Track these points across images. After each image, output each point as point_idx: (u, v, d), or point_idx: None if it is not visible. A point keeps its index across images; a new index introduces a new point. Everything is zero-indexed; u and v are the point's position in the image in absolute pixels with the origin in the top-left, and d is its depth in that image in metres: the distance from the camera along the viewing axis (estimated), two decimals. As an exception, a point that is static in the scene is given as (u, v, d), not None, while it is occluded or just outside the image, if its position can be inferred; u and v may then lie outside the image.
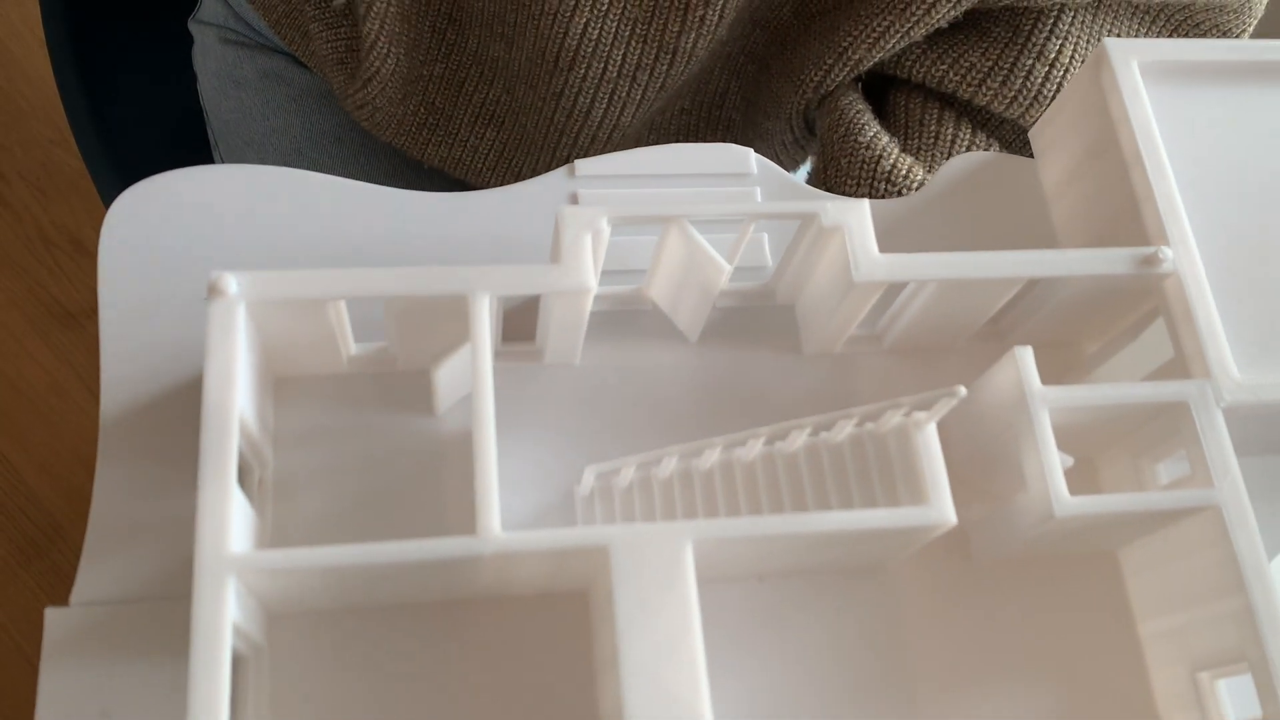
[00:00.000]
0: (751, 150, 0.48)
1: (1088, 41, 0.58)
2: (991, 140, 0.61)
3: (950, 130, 0.59)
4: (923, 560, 0.41)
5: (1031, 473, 0.37)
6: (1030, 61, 0.58)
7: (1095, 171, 0.44)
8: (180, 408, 0.40)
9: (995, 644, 0.40)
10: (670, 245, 0.40)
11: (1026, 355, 0.38)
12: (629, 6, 0.54)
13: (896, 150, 0.57)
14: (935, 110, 0.60)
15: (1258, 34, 0.60)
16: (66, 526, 1.10)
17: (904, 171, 0.56)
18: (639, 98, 0.59)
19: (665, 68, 0.57)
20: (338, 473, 0.40)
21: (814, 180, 0.61)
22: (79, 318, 1.15)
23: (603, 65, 0.57)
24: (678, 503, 0.39)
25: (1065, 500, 0.36)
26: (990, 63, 0.58)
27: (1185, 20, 0.60)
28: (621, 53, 0.56)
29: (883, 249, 0.39)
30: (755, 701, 0.38)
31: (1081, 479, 0.43)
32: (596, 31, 0.55)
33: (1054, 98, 0.57)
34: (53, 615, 0.37)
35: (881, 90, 0.63)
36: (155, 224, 0.42)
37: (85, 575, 0.37)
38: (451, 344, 0.38)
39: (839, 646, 0.39)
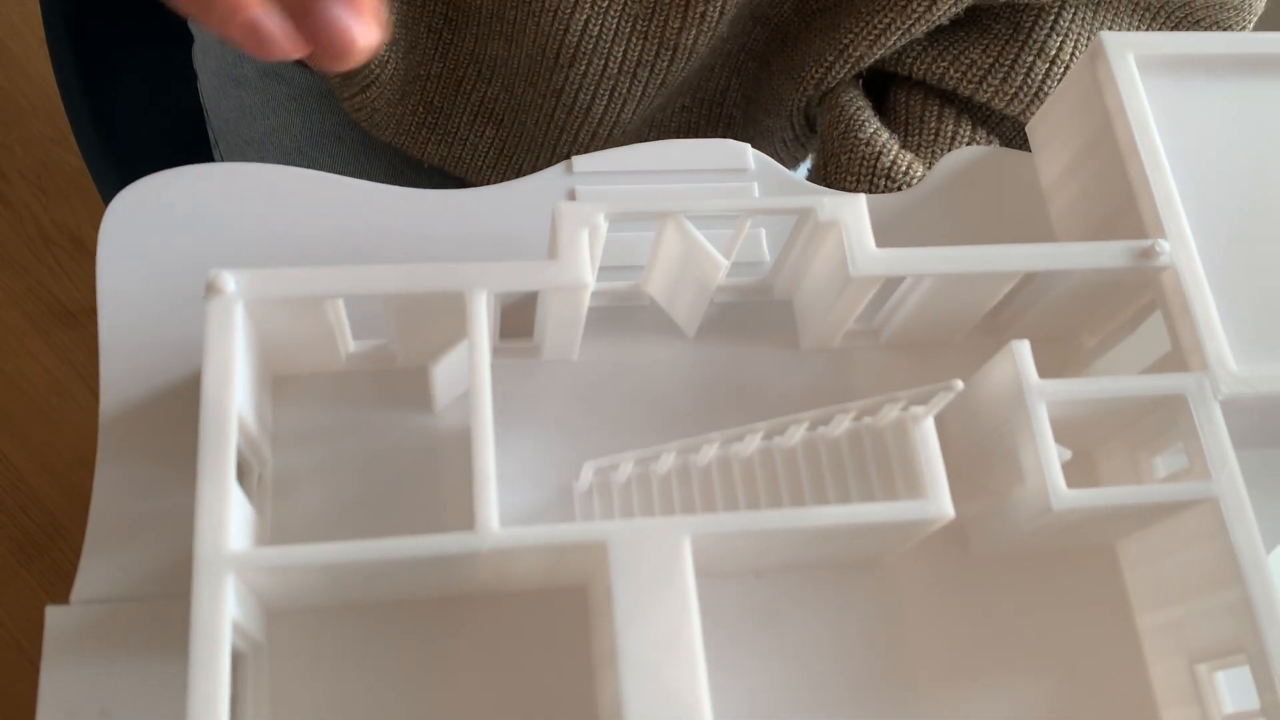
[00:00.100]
0: (749, 146, 0.48)
1: (1087, 38, 0.58)
2: (991, 137, 0.61)
3: (950, 127, 0.59)
4: (920, 555, 0.41)
5: (1029, 466, 0.37)
6: (1031, 58, 0.58)
7: (1092, 165, 0.44)
8: (180, 406, 0.40)
9: (993, 638, 0.40)
10: (667, 241, 0.40)
11: (1024, 349, 0.38)
12: (630, 3, 0.54)
13: (896, 147, 0.57)
14: (935, 107, 0.60)
15: (1258, 29, 0.60)
16: (67, 525, 1.10)
17: (904, 168, 0.56)
18: (639, 95, 0.59)
19: (666, 64, 0.57)
20: (336, 470, 0.40)
21: (814, 177, 0.61)
22: (79, 316, 1.16)
23: (603, 62, 0.57)
24: (676, 498, 0.39)
25: (1063, 493, 0.36)
26: (991, 59, 0.58)
27: (1185, 17, 0.60)
28: (622, 49, 0.56)
29: (879, 244, 0.39)
30: (753, 696, 0.39)
31: (1079, 473, 0.43)
32: (597, 28, 0.55)
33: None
34: (53, 613, 0.37)
35: (882, 87, 0.63)
36: (154, 222, 0.43)
37: (85, 573, 0.38)
38: (449, 341, 0.38)
39: (837, 641, 0.40)
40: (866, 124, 0.58)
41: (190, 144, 0.71)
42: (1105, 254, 0.40)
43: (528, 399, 0.42)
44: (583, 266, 0.36)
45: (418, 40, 0.61)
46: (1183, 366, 0.40)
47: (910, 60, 0.60)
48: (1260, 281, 0.41)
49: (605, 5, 0.54)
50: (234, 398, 0.33)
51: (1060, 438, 0.38)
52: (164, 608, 0.37)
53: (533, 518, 0.40)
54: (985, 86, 0.58)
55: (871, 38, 0.57)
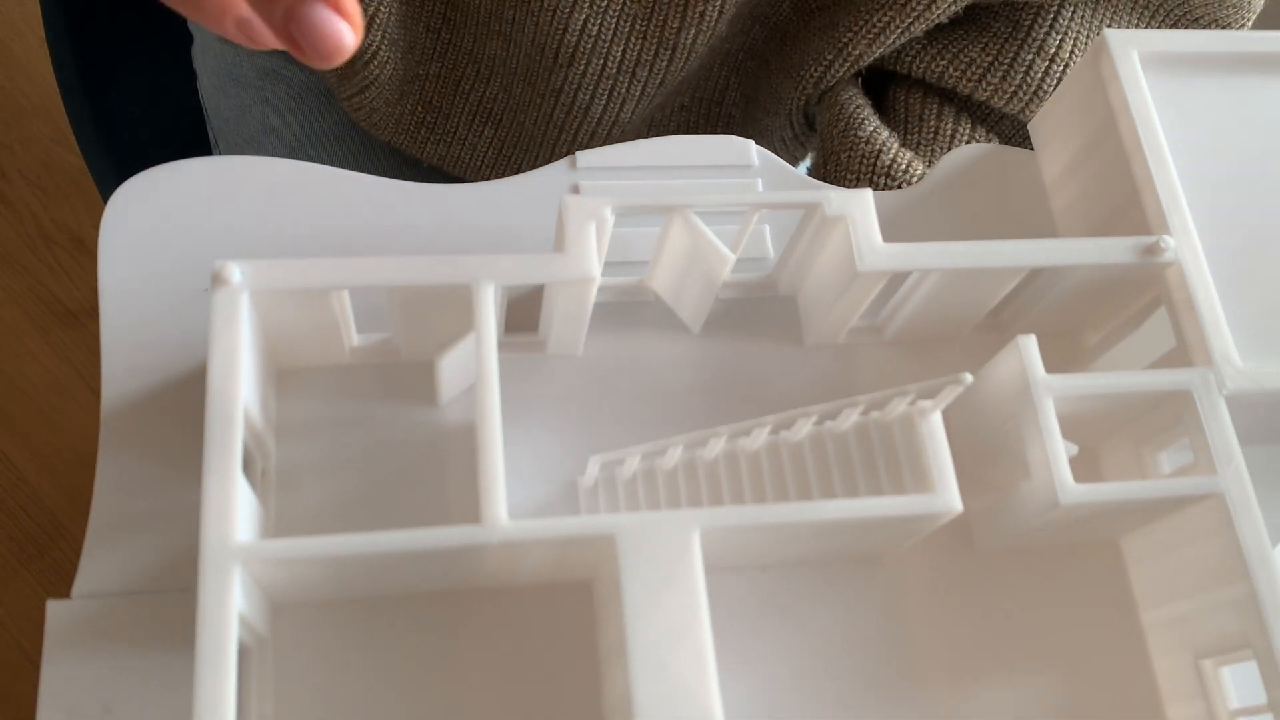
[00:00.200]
0: (752, 142, 0.48)
1: (1087, 36, 0.58)
2: (991, 135, 0.61)
3: (950, 125, 0.60)
4: (926, 551, 0.41)
5: (1036, 461, 0.37)
6: (1030, 56, 0.58)
7: (1095, 162, 0.44)
8: (181, 399, 0.40)
9: (998, 633, 0.40)
10: (673, 235, 0.40)
11: (1030, 344, 0.38)
12: (629, 3, 0.54)
13: (896, 145, 0.57)
14: (935, 105, 0.60)
15: (1257, 28, 0.60)
16: (67, 524, 1.10)
17: (904, 166, 0.56)
18: (638, 94, 0.59)
19: (665, 64, 0.57)
20: (340, 464, 0.40)
21: (814, 175, 0.61)
22: (80, 316, 1.15)
23: (602, 61, 0.57)
24: (682, 493, 0.39)
25: (1070, 488, 0.36)
26: (990, 58, 0.58)
27: (1185, 15, 0.60)
28: (621, 49, 0.56)
29: (882, 240, 0.39)
30: (760, 690, 0.38)
31: (1083, 469, 0.43)
32: (596, 27, 0.55)
33: (1054, 92, 0.57)
34: (54, 608, 0.37)
35: (881, 86, 0.63)
36: (155, 215, 0.42)
37: (87, 567, 0.37)
38: (455, 334, 0.38)
39: (842, 636, 0.39)
40: (866, 122, 0.58)
41: (190, 143, 0.71)
42: (1111, 250, 0.40)
43: (532, 394, 0.42)
44: (590, 259, 0.36)
45: (416, 40, 0.61)
46: (1187, 362, 0.40)
47: (909, 59, 0.60)
48: (1264, 278, 0.41)
49: (604, 5, 0.54)
50: (240, 389, 0.33)
51: (1065, 433, 0.38)
52: (166, 602, 0.37)
53: (537, 513, 0.40)
54: (985, 85, 0.58)
55: (870, 36, 0.57)
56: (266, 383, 0.38)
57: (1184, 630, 0.39)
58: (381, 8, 0.57)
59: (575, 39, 0.56)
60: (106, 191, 0.71)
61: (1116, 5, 0.59)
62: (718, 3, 0.54)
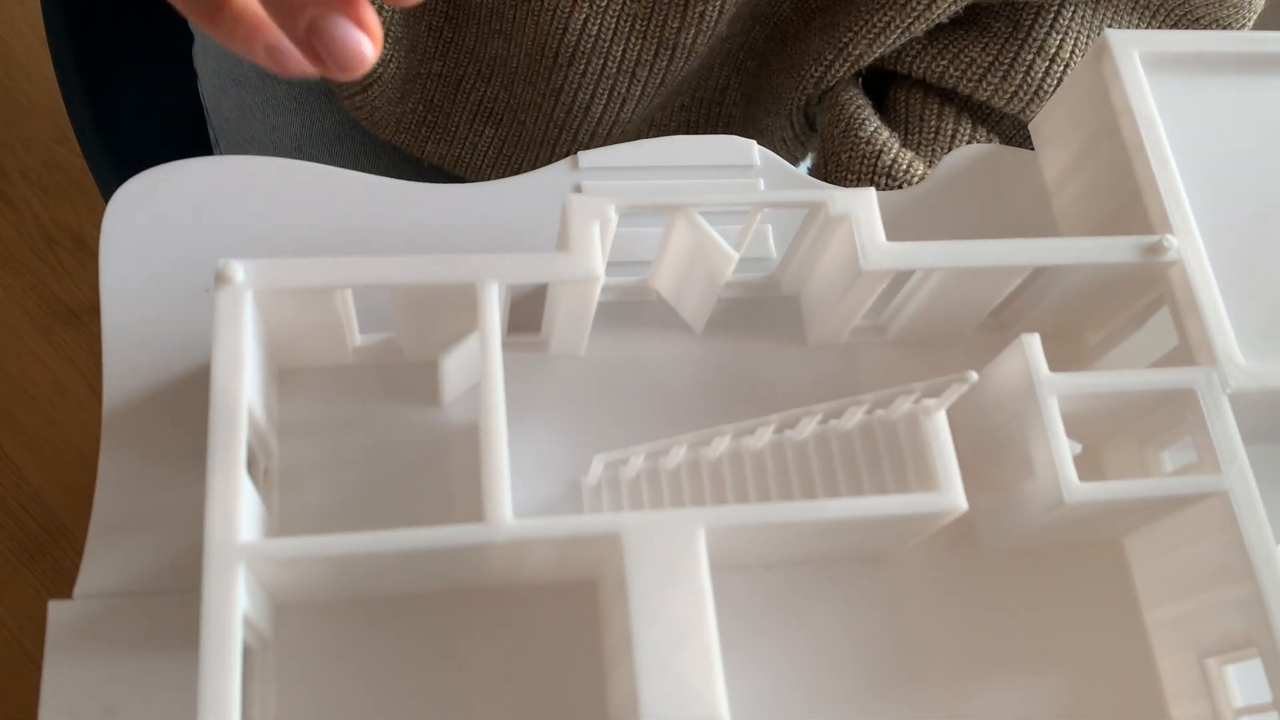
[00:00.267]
0: (754, 142, 0.48)
1: (1088, 36, 0.58)
2: (991, 135, 0.61)
3: (950, 125, 0.60)
4: (929, 550, 0.41)
5: (1040, 460, 0.37)
6: (1030, 56, 0.58)
7: (1097, 161, 0.44)
8: (183, 399, 0.40)
9: (1002, 633, 0.40)
10: (677, 234, 0.40)
11: (1034, 342, 0.38)
12: (629, 2, 0.54)
13: (897, 145, 0.57)
14: (935, 105, 0.60)
15: (1257, 28, 0.60)
16: (69, 524, 1.09)
17: (904, 166, 0.56)
18: (639, 94, 0.59)
19: (665, 64, 0.57)
20: (343, 464, 0.39)
21: (814, 175, 0.61)
22: (81, 315, 1.15)
23: (602, 61, 0.57)
24: (686, 492, 0.39)
25: (1075, 486, 0.36)
26: (990, 58, 0.58)
27: (1185, 15, 0.60)
28: (621, 48, 0.56)
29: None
30: (765, 688, 0.38)
31: (1087, 468, 0.43)
32: (596, 27, 0.55)
33: (1054, 92, 0.57)
34: (56, 608, 0.37)
35: (882, 86, 0.63)
36: (156, 215, 0.42)
37: (88, 567, 0.37)
38: (459, 334, 0.38)
39: (847, 635, 0.39)
40: (867, 123, 0.58)
41: (191, 143, 0.71)
42: (1114, 249, 0.40)
43: (535, 394, 0.42)
44: (594, 258, 0.36)
45: (418, 39, 0.61)
46: (1190, 361, 0.40)
47: (910, 59, 0.60)
48: (1267, 276, 0.41)
49: (604, 4, 0.54)
50: (244, 387, 0.33)
51: (1069, 432, 0.38)
52: (168, 602, 0.37)
53: (541, 512, 0.40)
54: (985, 85, 0.58)
55: (871, 36, 0.57)
56: (269, 382, 0.38)
57: (1188, 629, 0.39)
58: (385, 5, 0.57)
59: (575, 38, 0.56)
60: (107, 191, 0.71)
61: (1117, 5, 0.59)
62: (718, 3, 0.54)
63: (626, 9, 0.54)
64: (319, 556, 0.32)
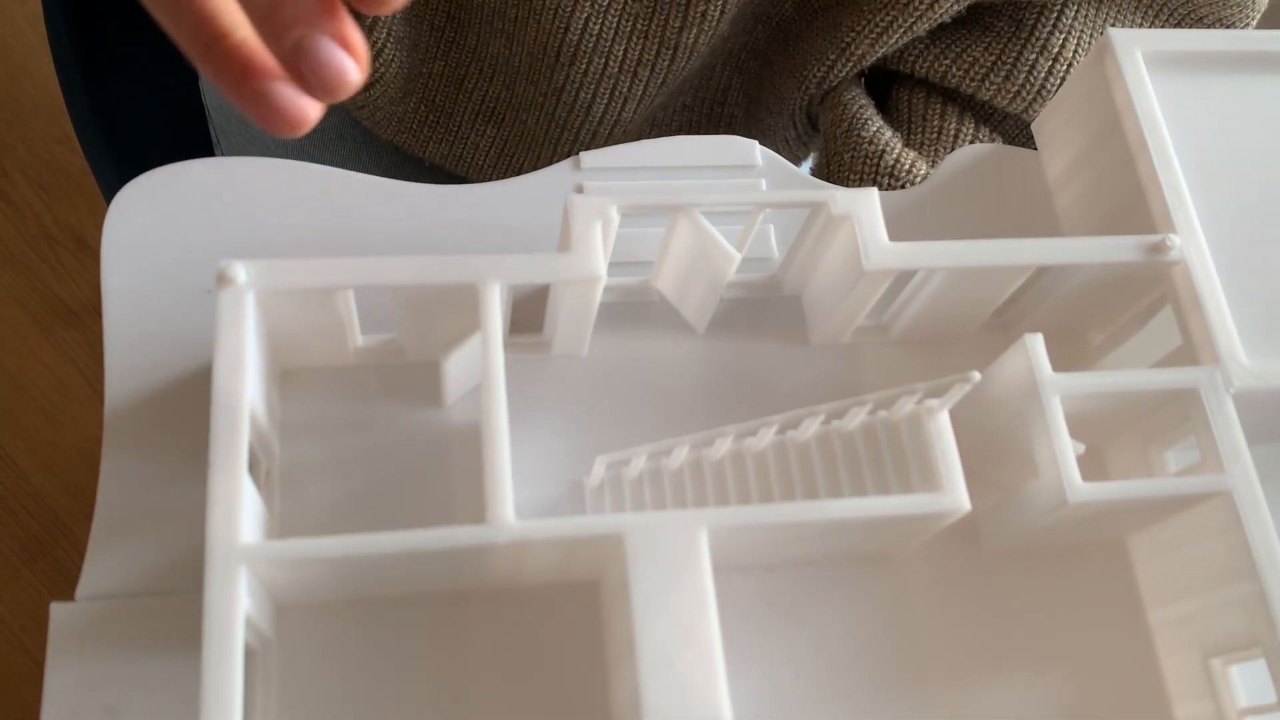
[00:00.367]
0: (756, 143, 0.48)
1: (1090, 35, 0.58)
2: (994, 135, 0.61)
3: (953, 125, 0.59)
4: (932, 550, 0.41)
5: (1043, 460, 0.37)
6: (1033, 56, 0.58)
7: (1100, 161, 0.44)
8: (184, 400, 0.40)
9: (1005, 634, 0.40)
10: (679, 234, 0.39)
11: (1037, 342, 0.38)
12: (630, 2, 0.54)
13: (900, 145, 0.57)
14: (938, 105, 0.60)
15: (1260, 27, 0.60)
16: (69, 524, 1.10)
17: (907, 166, 0.56)
18: (640, 93, 0.59)
19: (666, 63, 0.57)
20: (345, 465, 0.39)
21: (817, 175, 0.61)
22: (82, 315, 1.15)
23: (604, 60, 0.57)
24: (688, 492, 0.39)
25: (1078, 486, 0.36)
26: (993, 57, 0.58)
27: (1189, 14, 0.60)
28: (623, 48, 0.56)
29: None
30: (768, 688, 0.38)
31: (1090, 468, 0.43)
32: (598, 26, 0.55)
33: (1057, 92, 0.57)
34: (58, 610, 0.37)
35: (884, 86, 0.63)
36: (158, 216, 0.42)
37: (90, 569, 0.37)
38: (461, 334, 0.38)
39: (850, 636, 0.39)
40: (869, 123, 0.58)
41: (192, 142, 0.71)
42: (1117, 248, 0.40)
43: (537, 394, 0.42)
44: (596, 259, 0.36)
45: (420, 38, 0.61)
46: (1193, 361, 0.40)
47: (913, 59, 0.60)
48: (1270, 275, 0.41)
49: (606, 4, 0.54)
50: (245, 388, 0.32)
51: (1072, 432, 0.38)
52: (171, 604, 0.37)
53: (543, 513, 0.40)
54: (988, 85, 0.58)
55: (873, 36, 0.57)
56: (271, 383, 0.38)
57: (1192, 629, 0.39)
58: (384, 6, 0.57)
59: (577, 38, 0.56)
60: (108, 191, 0.71)
61: (1120, 4, 0.59)
62: (719, 2, 0.54)
63: (628, 8, 0.54)
64: (321, 557, 0.32)
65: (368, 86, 0.60)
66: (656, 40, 0.56)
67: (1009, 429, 0.39)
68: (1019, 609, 0.41)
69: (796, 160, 0.69)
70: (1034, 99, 0.58)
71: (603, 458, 0.38)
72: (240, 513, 0.31)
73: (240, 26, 0.31)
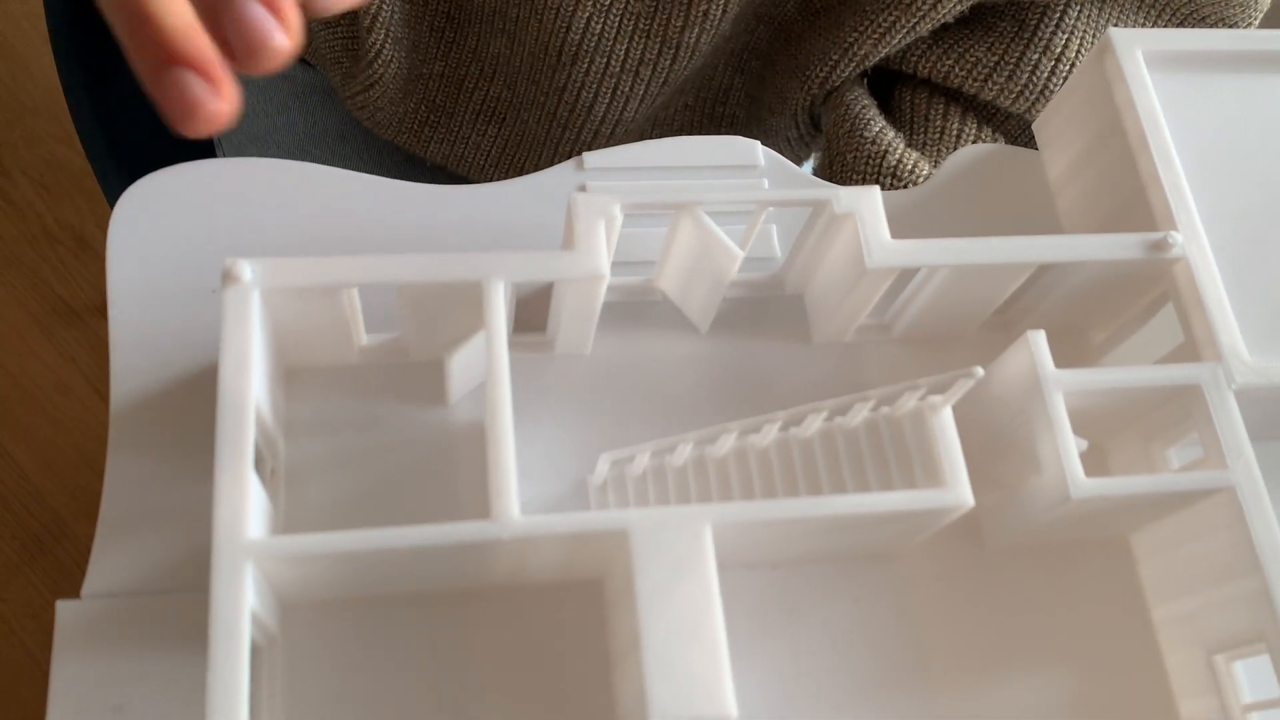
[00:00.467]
0: (758, 143, 0.48)
1: (1093, 35, 0.58)
2: (997, 135, 0.61)
3: (956, 125, 0.60)
4: (935, 548, 0.41)
5: (1046, 456, 0.37)
6: (1036, 56, 0.58)
7: (1101, 159, 0.44)
8: (190, 399, 0.40)
9: (1008, 631, 0.40)
10: (682, 233, 0.40)
11: (1040, 339, 0.38)
12: (632, 1, 0.54)
13: (902, 145, 0.57)
14: (941, 105, 0.60)
15: (1263, 27, 0.60)
16: (70, 524, 1.10)
17: (909, 166, 0.56)
18: (641, 93, 0.59)
19: (668, 63, 0.57)
20: (349, 463, 0.40)
21: (819, 175, 0.61)
22: (83, 315, 1.15)
23: (605, 60, 0.57)
24: (692, 489, 0.39)
25: (1081, 482, 0.36)
26: (996, 57, 0.58)
27: (1191, 14, 0.60)
28: (624, 47, 0.56)
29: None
30: (772, 685, 0.38)
31: (1092, 465, 0.43)
32: (599, 26, 0.55)
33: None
34: (64, 608, 0.37)
35: (887, 85, 0.63)
36: (163, 216, 0.42)
37: (96, 567, 0.37)
38: (465, 333, 0.38)
39: (853, 633, 0.39)
40: (872, 123, 0.58)
41: (193, 142, 0.71)
42: (1119, 246, 0.40)
43: (541, 393, 0.42)
44: (600, 257, 0.36)
45: (420, 39, 0.61)
46: (1195, 358, 0.40)
47: (915, 58, 0.60)
48: (1271, 272, 0.41)
49: (608, 3, 0.54)
50: (252, 385, 0.33)
51: (1074, 429, 0.38)
52: (176, 602, 0.37)
53: (547, 511, 0.40)
54: (991, 84, 0.58)
55: (876, 36, 0.57)
56: (276, 381, 0.38)
57: (1195, 625, 0.40)
58: (385, 6, 0.57)
59: (579, 37, 0.56)
60: (110, 190, 0.71)
61: (1122, 4, 0.59)
62: (721, 1, 0.54)
63: (630, 7, 0.55)
64: (326, 554, 0.32)
65: (368, 87, 0.61)
66: (658, 39, 0.56)
67: (1011, 426, 0.40)
68: (1022, 606, 0.41)
69: (799, 160, 0.69)
70: (1036, 99, 0.58)
71: (607, 455, 0.38)
72: (246, 509, 0.31)
73: (172, 15, 0.29)
